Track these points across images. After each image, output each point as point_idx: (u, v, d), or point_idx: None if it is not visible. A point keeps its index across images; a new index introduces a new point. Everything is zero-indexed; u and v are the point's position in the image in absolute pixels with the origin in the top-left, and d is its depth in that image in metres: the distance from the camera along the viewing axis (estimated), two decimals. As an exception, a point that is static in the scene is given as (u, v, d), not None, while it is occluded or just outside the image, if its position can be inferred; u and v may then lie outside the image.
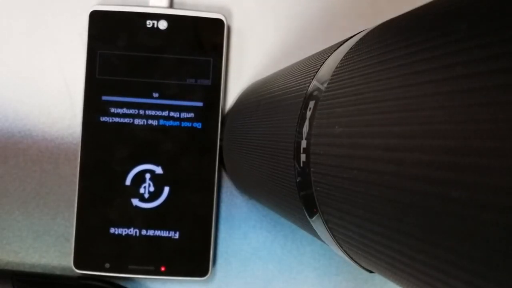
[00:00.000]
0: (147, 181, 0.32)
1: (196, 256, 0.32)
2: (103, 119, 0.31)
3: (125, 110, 0.31)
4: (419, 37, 0.10)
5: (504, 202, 0.07)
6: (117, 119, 0.31)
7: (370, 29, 0.14)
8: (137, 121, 0.32)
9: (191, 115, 0.32)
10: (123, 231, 0.31)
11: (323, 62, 0.16)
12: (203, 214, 0.32)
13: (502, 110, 0.07)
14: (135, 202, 0.32)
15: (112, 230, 0.31)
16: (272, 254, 0.33)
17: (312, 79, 0.16)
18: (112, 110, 0.31)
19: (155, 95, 0.32)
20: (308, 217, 0.15)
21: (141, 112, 0.31)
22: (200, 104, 0.32)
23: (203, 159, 0.32)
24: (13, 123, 0.32)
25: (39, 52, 0.32)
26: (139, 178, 0.32)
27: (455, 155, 0.08)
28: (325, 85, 0.14)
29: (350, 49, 0.14)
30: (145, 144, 0.32)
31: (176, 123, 0.32)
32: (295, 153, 0.15)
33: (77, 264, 0.31)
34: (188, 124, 0.32)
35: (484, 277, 0.07)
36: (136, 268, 0.31)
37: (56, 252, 0.32)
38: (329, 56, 0.16)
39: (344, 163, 0.12)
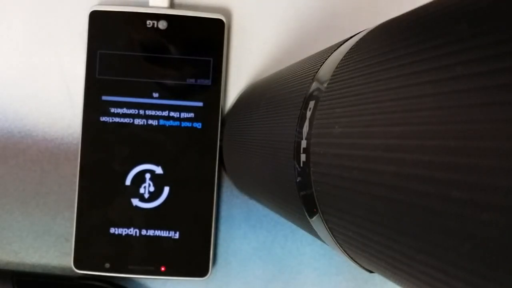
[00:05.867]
0: (147, 181, 0.32)
1: (196, 256, 0.32)
2: (103, 119, 0.31)
3: (125, 110, 0.31)
4: (419, 37, 0.10)
5: (504, 202, 0.07)
6: (117, 119, 0.31)
7: (370, 29, 0.14)
8: (137, 121, 0.32)
9: (191, 115, 0.32)
10: (123, 231, 0.31)
11: (323, 62, 0.16)
12: (203, 214, 0.32)
13: (501, 110, 0.07)
14: (135, 202, 0.32)
15: (112, 230, 0.31)
16: (272, 254, 0.33)
17: (312, 79, 0.16)
18: (112, 110, 0.31)
19: (155, 95, 0.32)
20: (308, 217, 0.15)
21: (141, 112, 0.32)
22: (200, 104, 0.32)
23: (203, 159, 0.32)
24: (13, 123, 0.32)
25: (39, 52, 0.32)
26: (139, 178, 0.32)
27: (455, 155, 0.08)
28: (325, 85, 0.14)
29: (350, 49, 0.14)
30: (145, 144, 0.32)
31: (176, 123, 0.32)
32: (295, 153, 0.15)
33: (77, 264, 0.31)
34: (188, 124, 0.32)
35: (484, 277, 0.07)
36: (136, 268, 0.31)
37: (56, 252, 0.32)
38: (329, 56, 0.16)
39: (344, 163, 0.12)
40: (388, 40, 0.12)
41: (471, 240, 0.07)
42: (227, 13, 0.33)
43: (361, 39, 0.14)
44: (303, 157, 0.15)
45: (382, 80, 0.11)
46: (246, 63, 0.33)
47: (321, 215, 0.14)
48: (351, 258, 0.14)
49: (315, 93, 0.15)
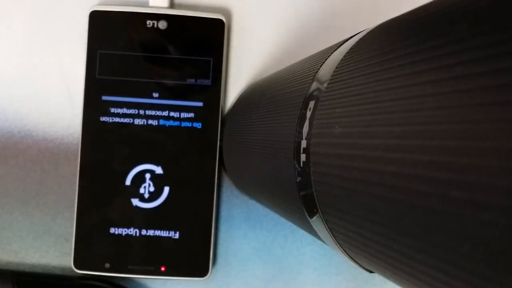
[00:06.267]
0: (147, 181, 0.32)
1: (196, 256, 0.32)
2: (103, 119, 0.31)
3: (125, 110, 0.31)
4: (419, 37, 0.10)
5: (504, 202, 0.07)
6: (117, 119, 0.31)
7: (370, 29, 0.14)
8: (137, 121, 0.32)
9: (191, 115, 0.32)
10: (123, 231, 0.31)
11: (323, 62, 0.16)
12: (203, 214, 0.32)
13: (501, 110, 0.07)
14: (135, 202, 0.32)
15: (112, 230, 0.31)
16: (272, 254, 0.33)
17: (312, 79, 0.16)
18: (112, 110, 0.31)
19: (155, 95, 0.32)
20: (308, 217, 0.15)
21: (141, 112, 0.32)
22: (200, 104, 0.32)
23: (203, 159, 0.32)
24: (13, 123, 0.32)
25: (39, 52, 0.32)
26: (139, 178, 0.32)
27: (455, 155, 0.08)
28: (325, 85, 0.14)
29: (350, 49, 0.14)
30: (145, 144, 0.32)
31: (176, 123, 0.32)
32: (295, 153, 0.15)
33: (77, 264, 0.31)
34: (188, 124, 0.32)
35: (484, 277, 0.07)
36: (136, 268, 0.31)
37: (56, 252, 0.32)
38: (329, 56, 0.16)
39: (344, 163, 0.12)
40: (388, 40, 0.12)
41: (471, 240, 0.07)
42: (227, 13, 0.33)
43: (361, 39, 0.14)
44: (303, 157, 0.15)
45: (382, 80, 0.11)
46: (246, 63, 0.33)
47: (321, 215, 0.14)
48: (351, 258, 0.14)
49: (315, 93, 0.15)
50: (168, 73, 0.32)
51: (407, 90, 0.10)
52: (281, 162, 0.17)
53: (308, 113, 0.15)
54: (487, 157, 0.07)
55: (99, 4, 0.32)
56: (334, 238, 0.14)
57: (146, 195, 0.32)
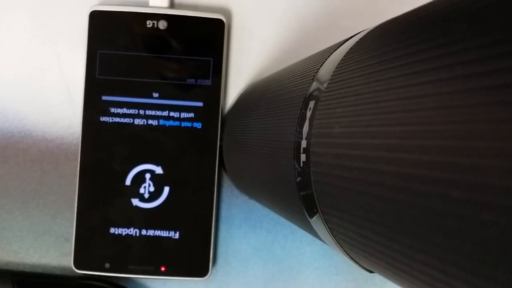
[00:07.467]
0: (147, 181, 0.32)
1: (196, 256, 0.32)
2: (103, 119, 0.31)
3: (125, 110, 0.31)
4: (419, 37, 0.10)
5: (504, 202, 0.07)
6: (117, 119, 0.31)
7: (370, 29, 0.14)
8: (137, 121, 0.32)
9: (191, 115, 0.32)
10: (123, 231, 0.31)
11: (323, 62, 0.16)
12: (203, 214, 0.32)
13: (501, 110, 0.07)
14: (135, 202, 0.32)
15: (112, 230, 0.31)
16: (272, 254, 0.33)
17: (312, 79, 0.16)
18: (112, 110, 0.31)
19: (155, 95, 0.32)
20: (308, 217, 0.15)
21: (141, 112, 0.31)
22: (200, 104, 0.32)
23: (203, 159, 0.32)
24: (13, 123, 0.32)
25: (39, 52, 0.32)
26: (139, 178, 0.32)
27: (455, 155, 0.08)
28: (325, 85, 0.14)
29: (350, 49, 0.14)
30: (145, 144, 0.32)
31: (176, 123, 0.32)
32: (295, 153, 0.15)
33: (77, 264, 0.31)
34: (188, 124, 0.32)
35: (484, 277, 0.07)
36: (136, 268, 0.31)
37: (56, 252, 0.32)
38: (329, 56, 0.16)
39: (344, 163, 0.12)
40: (388, 40, 0.12)
41: (471, 240, 0.07)
42: (227, 13, 0.33)
43: (361, 39, 0.14)
44: (303, 157, 0.15)
45: (382, 80, 0.11)
46: (246, 63, 0.33)
47: (321, 215, 0.14)
48: (351, 258, 0.14)
49: (315, 93, 0.15)
50: (168, 73, 0.32)
51: (407, 90, 0.10)
52: (281, 162, 0.17)
53: (308, 113, 0.15)
54: (487, 157, 0.07)
55: (99, 4, 0.32)
56: (334, 238, 0.14)
57: (146, 195, 0.32)
